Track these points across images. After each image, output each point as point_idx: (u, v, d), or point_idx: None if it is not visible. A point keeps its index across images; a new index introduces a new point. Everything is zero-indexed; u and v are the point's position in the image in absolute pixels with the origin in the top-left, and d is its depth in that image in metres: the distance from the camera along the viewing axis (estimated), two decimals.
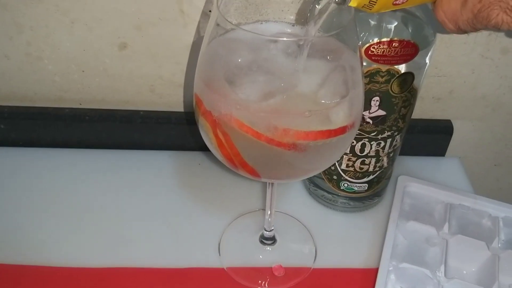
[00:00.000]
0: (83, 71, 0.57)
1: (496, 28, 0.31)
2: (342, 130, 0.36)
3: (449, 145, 0.63)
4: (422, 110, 0.61)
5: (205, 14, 0.52)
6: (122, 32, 0.54)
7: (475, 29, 0.32)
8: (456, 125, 0.61)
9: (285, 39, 0.35)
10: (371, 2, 0.32)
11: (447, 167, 0.62)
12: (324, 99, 0.35)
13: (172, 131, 0.60)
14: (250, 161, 0.37)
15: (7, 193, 0.55)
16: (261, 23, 0.41)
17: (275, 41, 0.36)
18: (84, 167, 0.58)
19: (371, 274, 0.48)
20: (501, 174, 0.69)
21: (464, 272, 0.49)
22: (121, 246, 0.50)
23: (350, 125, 0.36)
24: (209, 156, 0.60)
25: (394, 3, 0.32)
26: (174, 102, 0.60)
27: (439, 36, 0.54)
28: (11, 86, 0.58)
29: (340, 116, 0.35)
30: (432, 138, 0.62)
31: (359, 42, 0.38)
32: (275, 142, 0.34)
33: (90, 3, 0.52)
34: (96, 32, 0.54)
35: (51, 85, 0.58)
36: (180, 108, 0.60)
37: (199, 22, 0.53)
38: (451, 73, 0.58)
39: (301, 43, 0.34)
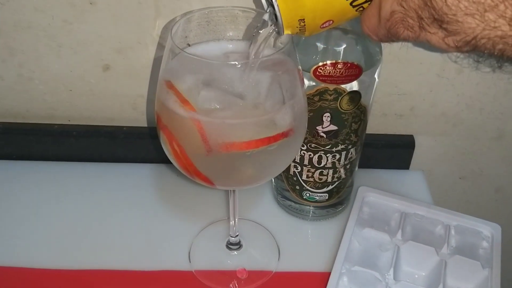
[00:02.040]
0: (70, 90, 0.63)
1: (407, 41, 0.35)
2: (282, 135, 0.40)
3: (413, 159, 0.67)
4: (386, 125, 0.65)
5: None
6: (105, 55, 0.59)
7: (395, 41, 0.35)
8: (418, 140, 0.65)
9: (229, 62, 0.40)
10: (301, 29, 0.37)
11: (410, 179, 0.66)
12: (264, 107, 0.40)
13: (153, 145, 0.65)
14: (203, 171, 0.41)
15: (1, 202, 0.60)
16: (218, 41, 0.46)
17: (223, 62, 0.41)
18: (72, 178, 0.63)
19: (327, 277, 0.51)
20: (467, 187, 0.72)
21: (416, 276, 0.52)
22: (101, 250, 0.55)
23: (289, 130, 0.40)
24: None
25: (321, 26, 0.37)
26: (154, 119, 0.65)
27: (396, 57, 0.59)
28: (5, 104, 0.64)
29: (279, 122, 0.40)
30: (395, 152, 0.66)
31: (297, 59, 0.43)
32: (222, 152, 0.39)
33: (75, 29, 0.57)
34: (81, 55, 0.59)
35: (42, 103, 0.64)
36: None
37: (158, 42, 0.58)
38: (411, 91, 0.62)
39: (240, 66, 0.38)
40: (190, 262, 0.54)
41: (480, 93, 0.63)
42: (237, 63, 0.38)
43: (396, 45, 0.58)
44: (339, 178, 0.55)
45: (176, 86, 0.40)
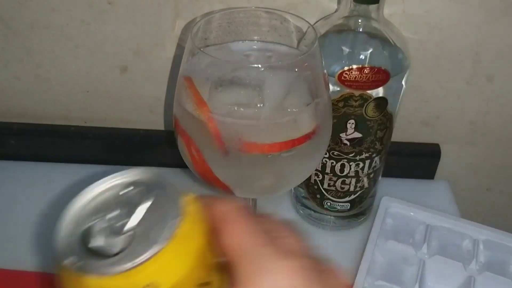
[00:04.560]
0: (87, 91, 0.61)
1: None
2: (305, 138, 0.38)
3: (438, 168, 0.64)
4: (411, 134, 0.63)
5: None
6: (122, 56, 0.58)
7: None
8: (444, 149, 0.63)
9: (252, 65, 0.38)
10: None
11: (435, 190, 0.63)
12: (288, 108, 0.38)
13: (170, 149, 0.63)
14: (221, 178, 0.40)
15: (18, 203, 0.59)
16: (242, 42, 0.44)
17: (244, 62, 0.39)
18: (87, 180, 0.62)
19: None
20: (494, 199, 0.69)
21: None
22: None
23: (311, 132, 0.38)
24: None
25: None
26: (171, 123, 0.63)
27: (423, 62, 0.57)
28: (21, 105, 0.63)
29: (302, 125, 0.38)
30: (420, 161, 0.63)
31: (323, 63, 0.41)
32: (241, 155, 0.37)
33: (92, 30, 0.56)
34: (99, 56, 0.58)
35: (58, 104, 0.63)
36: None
37: (177, 43, 0.56)
38: (438, 98, 0.60)
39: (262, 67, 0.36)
40: None
41: (511, 101, 0.60)
42: (259, 65, 0.36)
43: (423, 50, 0.56)
44: (362, 187, 0.53)
45: (195, 87, 0.39)
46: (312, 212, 0.57)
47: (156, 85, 0.60)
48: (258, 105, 0.38)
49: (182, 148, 0.41)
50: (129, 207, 0.24)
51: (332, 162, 0.51)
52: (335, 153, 0.50)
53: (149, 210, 0.24)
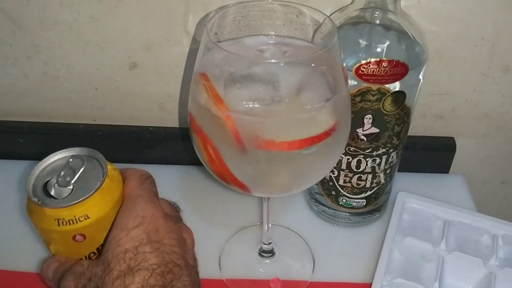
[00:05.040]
0: (96, 89, 0.60)
1: None
2: (325, 134, 0.37)
3: (453, 162, 0.63)
4: (425, 127, 0.62)
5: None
6: (132, 52, 0.57)
7: None
8: (459, 143, 0.62)
9: (270, 60, 0.37)
10: None
11: (450, 184, 0.62)
12: (307, 105, 0.37)
13: (180, 146, 0.62)
14: (239, 176, 0.39)
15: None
16: (257, 36, 0.43)
17: (261, 58, 0.38)
18: None
19: None
20: (509, 192, 0.69)
21: None
22: None
23: (331, 129, 0.37)
24: None
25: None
26: (182, 119, 0.62)
27: (438, 54, 0.56)
28: (30, 103, 0.62)
29: (321, 121, 0.37)
30: (435, 155, 0.62)
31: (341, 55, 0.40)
32: (259, 153, 0.36)
33: (101, 26, 0.55)
34: (108, 53, 0.57)
35: (67, 102, 0.62)
36: (187, 124, 0.63)
37: (192, 38, 0.55)
38: (452, 91, 0.59)
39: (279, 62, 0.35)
40: (220, 269, 0.51)
41: None
42: (277, 60, 0.35)
43: (437, 41, 0.55)
44: (378, 183, 0.52)
45: (211, 84, 0.38)
46: (327, 208, 0.56)
47: (166, 81, 0.59)
48: (276, 102, 0.37)
49: (197, 146, 0.40)
50: (72, 170, 0.39)
51: (348, 158, 0.50)
52: (351, 149, 0.49)
53: (84, 172, 0.38)
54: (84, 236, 0.38)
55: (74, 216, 0.37)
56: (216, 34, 0.42)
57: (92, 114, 0.63)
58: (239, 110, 0.36)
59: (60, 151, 0.40)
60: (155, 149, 0.63)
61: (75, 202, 0.37)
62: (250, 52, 0.42)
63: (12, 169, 0.62)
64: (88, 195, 0.37)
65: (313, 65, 0.38)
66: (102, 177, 0.38)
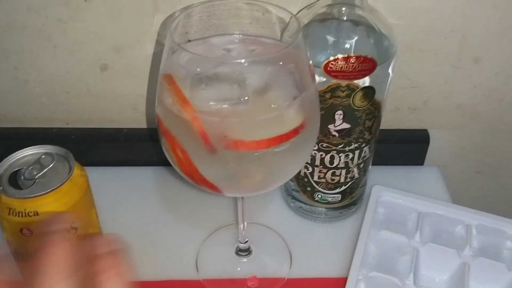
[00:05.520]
0: (68, 92, 0.60)
1: None
2: (294, 132, 0.37)
3: (428, 154, 0.64)
4: (399, 120, 0.62)
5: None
6: (102, 55, 0.56)
7: None
8: (433, 134, 0.62)
9: (234, 60, 0.37)
10: None
11: (425, 176, 0.63)
12: (274, 103, 0.37)
13: (155, 147, 0.62)
14: (209, 177, 0.39)
15: None
16: (224, 36, 0.43)
17: (226, 57, 0.37)
18: None
19: (342, 283, 0.48)
20: (484, 182, 0.69)
21: (437, 280, 0.50)
22: None
23: (300, 126, 0.37)
24: None
25: None
26: (150, 120, 0.62)
27: (409, 48, 0.56)
28: (1, 109, 0.61)
29: (289, 119, 0.37)
30: (409, 147, 0.63)
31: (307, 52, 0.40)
32: (228, 153, 0.36)
33: (70, 28, 0.54)
34: (78, 55, 0.56)
35: (39, 106, 0.61)
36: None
37: (158, 35, 0.55)
38: (425, 83, 0.59)
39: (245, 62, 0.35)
40: (197, 270, 0.51)
41: (498, 83, 0.60)
42: (242, 60, 0.35)
43: (408, 35, 0.55)
44: (352, 178, 0.52)
45: (177, 85, 0.38)
46: (303, 204, 0.56)
47: (138, 82, 0.59)
48: (243, 101, 0.37)
49: (166, 149, 0.40)
50: (41, 165, 0.41)
51: (322, 154, 0.50)
52: (324, 145, 0.49)
53: (51, 170, 0.41)
54: (31, 231, 0.40)
55: (25, 210, 0.39)
56: (185, 34, 0.42)
57: (65, 118, 0.62)
58: (205, 111, 0.36)
59: (37, 146, 0.43)
60: (129, 151, 0.63)
61: (28, 196, 0.39)
62: (217, 51, 0.41)
63: None
64: (42, 193, 0.39)
65: (279, 63, 0.38)
66: (64, 179, 0.40)
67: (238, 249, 0.52)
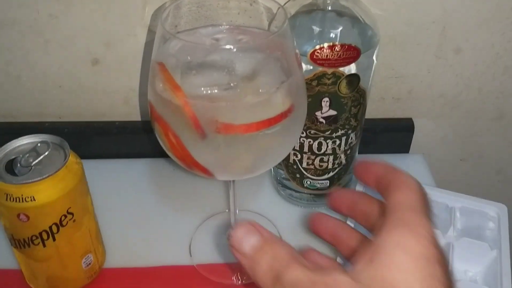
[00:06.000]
0: (60, 86, 0.61)
1: None
2: (282, 116, 0.39)
3: (413, 142, 0.65)
4: (384, 110, 0.64)
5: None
6: (93, 49, 0.58)
7: None
8: (417, 123, 0.64)
9: (224, 46, 0.38)
10: None
11: (410, 163, 0.65)
12: (262, 88, 0.38)
13: (147, 139, 0.63)
14: (201, 161, 0.40)
15: None
16: (213, 27, 0.45)
17: (216, 44, 0.39)
18: None
19: None
20: (468, 169, 0.71)
21: None
22: None
23: (287, 110, 0.39)
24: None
25: None
26: (144, 112, 0.63)
27: (392, 39, 0.58)
28: None
29: (277, 103, 0.38)
30: (395, 136, 0.65)
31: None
32: (219, 137, 0.38)
33: (60, 23, 0.55)
34: (69, 50, 0.58)
35: (31, 101, 0.62)
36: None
37: (148, 27, 0.56)
38: (408, 74, 0.61)
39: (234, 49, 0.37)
40: (190, 256, 0.53)
41: (478, 73, 0.62)
42: (231, 47, 0.37)
43: (391, 27, 0.57)
44: (339, 164, 0.54)
45: (168, 72, 0.39)
46: (293, 192, 0.57)
47: (129, 75, 0.60)
48: (232, 87, 0.38)
49: (159, 135, 0.41)
50: (37, 153, 0.42)
51: (310, 141, 0.51)
52: (311, 132, 0.50)
53: (47, 157, 0.42)
54: (28, 217, 0.41)
55: (22, 195, 0.40)
56: (174, 25, 0.43)
57: (57, 112, 0.63)
58: (196, 96, 0.37)
59: (33, 135, 0.45)
60: (122, 144, 0.64)
61: (24, 181, 0.40)
62: (206, 41, 0.43)
63: None
64: (39, 178, 0.40)
65: (266, 50, 0.39)
66: (60, 166, 0.41)
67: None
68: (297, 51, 0.41)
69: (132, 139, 0.63)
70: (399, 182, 0.30)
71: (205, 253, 0.53)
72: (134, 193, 0.60)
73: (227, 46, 0.37)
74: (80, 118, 0.63)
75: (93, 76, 0.60)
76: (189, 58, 0.39)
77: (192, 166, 0.41)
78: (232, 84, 0.38)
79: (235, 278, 0.51)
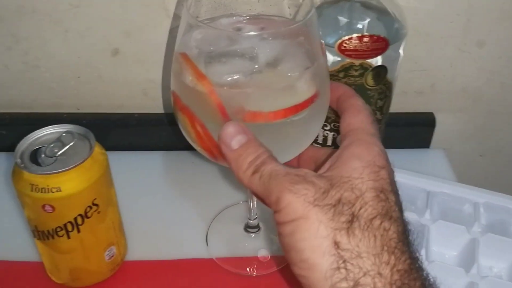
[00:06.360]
0: (78, 77, 0.60)
1: None
2: (308, 102, 0.38)
3: (433, 137, 0.65)
4: (405, 104, 0.63)
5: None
6: (113, 39, 0.57)
7: None
8: (438, 118, 0.64)
9: (250, 33, 0.38)
10: None
11: (431, 158, 0.64)
12: (287, 72, 0.38)
13: (166, 132, 0.62)
14: None
15: (5, 194, 0.57)
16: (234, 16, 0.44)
17: (241, 32, 0.39)
18: None
19: None
20: (486, 164, 0.71)
21: (446, 256, 0.51)
22: None
23: (314, 96, 0.39)
24: (197, 155, 0.63)
25: None
26: (166, 105, 0.63)
27: (416, 31, 0.57)
28: (10, 94, 0.61)
29: (304, 89, 0.38)
30: (416, 130, 0.64)
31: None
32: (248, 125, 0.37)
33: (81, 12, 0.55)
34: (89, 40, 0.57)
35: (49, 92, 0.61)
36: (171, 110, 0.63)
37: (170, 16, 0.55)
38: (431, 67, 0.60)
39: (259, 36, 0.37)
40: (207, 246, 0.53)
41: (501, 67, 0.61)
42: (256, 33, 0.37)
43: (415, 19, 0.56)
44: None
45: (192, 62, 0.38)
46: None
47: (149, 66, 0.59)
48: (258, 73, 0.38)
49: (184, 125, 0.41)
50: (62, 143, 0.42)
51: (334, 134, 0.51)
52: (336, 125, 0.50)
53: (72, 148, 0.42)
54: (53, 208, 0.40)
55: (48, 186, 0.39)
56: (196, 15, 0.42)
57: (75, 103, 0.63)
58: (222, 84, 0.37)
59: (57, 125, 0.44)
60: (140, 136, 0.63)
61: (50, 172, 0.39)
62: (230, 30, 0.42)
63: None
64: (65, 168, 0.39)
65: (291, 37, 0.39)
66: (86, 156, 0.41)
67: (247, 226, 0.54)
68: (322, 41, 0.41)
69: (151, 132, 0.63)
70: (356, 108, 0.36)
71: (223, 243, 0.53)
72: (151, 185, 0.59)
73: (251, 32, 0.37)
74: (98, 109, 0.63)
75: (113, 67, 0.59)
76: (212, 46, 0.39)
77: (218, 156, 0.40)
78: (257, 71, 0.38)
79: (252, 269, 0.50)
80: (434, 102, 0.63)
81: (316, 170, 0.33)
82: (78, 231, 0.42)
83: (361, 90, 0.47)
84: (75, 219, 0.42)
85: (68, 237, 0.42)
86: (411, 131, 0.64)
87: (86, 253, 0.44)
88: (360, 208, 0.29)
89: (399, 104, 0.63)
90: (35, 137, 0.43)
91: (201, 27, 0.38)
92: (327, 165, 0.33)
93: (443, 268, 0.47)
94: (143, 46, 0.58)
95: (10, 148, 0.62)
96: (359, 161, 0.31)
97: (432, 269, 0.46)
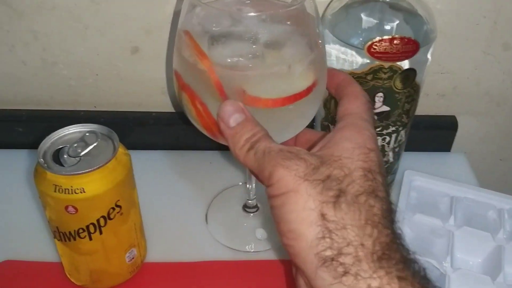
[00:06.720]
0: (97, 74, 0.59)
1: None
2: (306, 91, 0.38)
3: (455, 140, 0.64)
4: (427, 106, 0.62)
5: None
6: (133, 36, 0.56)
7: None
8: (460, 121, 0.63)
9: (250, 14, 0.37)
10: None
11: (452, 162, 0.63)
12: (288, 59, 0.38)
13: (183, 131, 0.62)
14: None
15: (28, 192, 0.57)
16: None
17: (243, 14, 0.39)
18: None
19: None
20: (507, 169, 0.70)
21: (471, 263, 0.50)
22: None
23: (311, 85, 0.39)
24: (215, 155, 0.62)
25: None
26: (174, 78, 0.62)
27: (441, 33, 0.56)
28: (28, 91, 0.61)
29: (303, 78, 0.38)
30: (437, 134, 0.63)
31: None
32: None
33: (101, 9, 0.54)
34: (108, 37, 0.56)
35: (67, 89, 0.61)
36: None
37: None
38: (454, 69, 0.59)
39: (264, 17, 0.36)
40: (207, 223, 0.53)
41: None
42: (259, 14, 0.36)
43: (440, 21, 0.55)
44: (387, 162, 0.52)
45: (194, 40, 0.38)
46: None
47: (168, 65, 0.58)
48: (258, 56, 0.38)
49: (185, 103, 0.41)
50: (85, 143, 0.41)
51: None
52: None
53: (96, 148, 0.41)
54: (76, 209, 0.40)
55: (71, 187, 0.39)
56: None
57: (93, 101, 0.62)
58: (223, 64, 0.37)
59: (80, 124, 0.43)
60: (158, 135, 0.62)
61: (75, 172, 0.39)
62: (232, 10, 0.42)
63: (12, 158, 0.61)
64: (89, 169, 0.39)
65: (292, 22, 0.39)
66: (110, 157, 0.40)
67: (246, 206, 0.54)
68: (320, 28, 0.41)
69: (168, 131, 0.62)
70: (354, 95, 0.37)
71: (221, 221, 0.54)
72: (167, 185, 0.58)
73: (253, 14, 0.36)
74: (116, 107, 0.62)
75: (132, 65, 0.58)
76: (214, 26, 0.38)
77: (217, 134, 0.40)
78: (257, 53, 0.37)
79: (250, 247, 0.51)
80: (456, 105, 0.62)
81: (309, 150, 0.34)
82: (100, 232, 0.42)
83: (389, 93, 0.46)
84: (98, 220, 0.41)
85: (90, 238, 0.42)
86: (432, 134, 0.63)
87: (107, 255, 0.44)
88: (348, 185, 0.31)
89: (420, 106, 0.61)
90: (58, 136, 0.42)
91: (203, 7, 0.38)
92: (319, 145, 0.34)
93: (470, 276, 0.46)
94: (163, 45, 0.57)
95: (26, 145, 0.62)
96: (350, 143, 0.33)
97: (457, 276, 0.46)
